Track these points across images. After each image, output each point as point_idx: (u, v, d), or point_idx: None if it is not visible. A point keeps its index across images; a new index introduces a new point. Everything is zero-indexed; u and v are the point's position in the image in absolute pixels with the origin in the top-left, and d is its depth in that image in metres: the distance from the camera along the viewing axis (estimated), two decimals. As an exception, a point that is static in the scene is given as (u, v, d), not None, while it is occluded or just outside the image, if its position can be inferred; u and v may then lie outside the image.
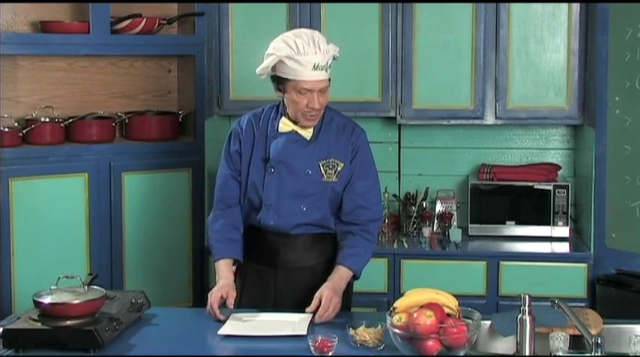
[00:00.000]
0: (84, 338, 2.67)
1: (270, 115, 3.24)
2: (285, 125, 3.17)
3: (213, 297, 3.05)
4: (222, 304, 3.05)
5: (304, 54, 3.04)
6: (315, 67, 3.05)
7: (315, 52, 3.05)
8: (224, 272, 3.15)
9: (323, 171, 3.18)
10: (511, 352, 2.70)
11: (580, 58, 4.33)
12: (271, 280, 3.25)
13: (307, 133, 3.18)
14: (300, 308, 3.08)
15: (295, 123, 3.17)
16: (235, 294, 3.09)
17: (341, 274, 3.14)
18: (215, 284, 3.13)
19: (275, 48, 3.07)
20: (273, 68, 3.10)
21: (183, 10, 4.49)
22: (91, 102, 4.46)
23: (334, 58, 3.14)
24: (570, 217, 4.44)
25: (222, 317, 3.01)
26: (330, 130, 3.21)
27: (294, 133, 3.17)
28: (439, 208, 4.60)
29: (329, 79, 3.13)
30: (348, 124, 3.26)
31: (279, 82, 3.11)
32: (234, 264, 3.21)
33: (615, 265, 4.10)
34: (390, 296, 4.20)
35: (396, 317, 2.58)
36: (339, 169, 3.19)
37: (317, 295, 3.03)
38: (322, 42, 3.08)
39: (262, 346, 2.77)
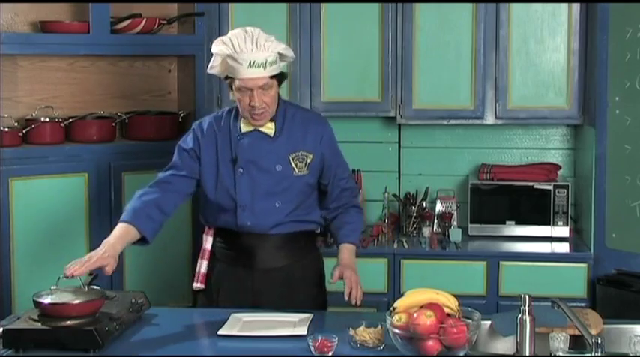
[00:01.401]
0: (84, 338, 2.66)
1: (230, 117, 3.26)
2: (245, 125, 3.20)
3: (93, 262, 2.90)
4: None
5: (240, 52, 3.06)
6: (252, 65, 3.06)
7: (252, 50, 3.06)
8: (116, 238, 3.04)
9: (293, 165, 3.21)
10: (511, 352, 2.69)
11: (580, 58, 4.33)
12: (248, 281, 3.25)
13: (269, 130, 3.20)
14: (278, 309, 3.10)
15: None
16: (115, 266, 2.98)
17: (349, 250, 3.29)
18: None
19: (215, 48, 3.12)
20: (226, 69, 3.13)
21: (183, 10, 4.50)
22: (91, 102, 4.47)
23: (282, 57, 3.15)
24: (570, 217, 4.44)
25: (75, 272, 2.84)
26: (294, 124, 3.24)
27: (257, 131, 3.20)
28: (439, 208, 4.60)
29: (273, 77, 3.11)
30: (312, 117, 3.34)
31: (229, 81, 3.16)
32: (135, 242, 3.12)
33: (615, 265, 4.10)
34: (390, 296, 4.20)
35: (396, 317, 2.58)
36: (308, 161, 3.23)
37: (336, 273, 3.15)
38: (261, 39, 3.08)
39: (262, 346, 2.77)
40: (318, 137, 3.25)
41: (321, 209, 3.34)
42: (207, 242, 3.34)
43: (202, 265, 3.32)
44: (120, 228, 3.11)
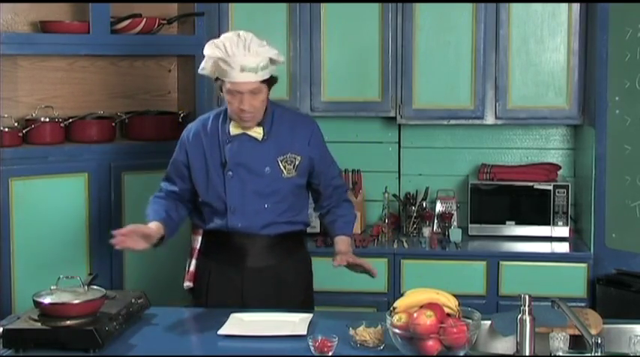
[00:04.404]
0: (84, 338, 2.67)
1: (217, 120, 3.29)
2: (235, 128, 3.24)
3: (140, 227, 3.12)
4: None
5: (233, 56, 3.09)
6: (243, 69, 3.10)
7: (244, 55, 3.09)
8: (156, 226, 3.20)
9: (282, 167, 3.25)
10: (511, 352, 2.70)
11: (580, 58, 4.33)
12: (237, 281, 3.28)
13: (257, 134, 3.24)
14: (267, 308, 3.14)
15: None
16: (144, 247, 3.14)
17: (346, 242, 3.32)
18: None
19: (208, 50, 3.15)
20: (217, 71, 3.16)
21: (183, 10, 4.50)
22: (91, 102, 4.47)
23: (273, 62, 3.17)
24: (570, 217, 4.44)
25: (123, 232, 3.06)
26: (282, 126, 3.27)
27: (245, 134, 3.24)
28: (439, 208, 4.60)
29: (264, 81, 3.14)
30: (300, 118, 3.39)
31: (220, 83, 3.19)
32: (156, 242, 3.22)
33: (615, 265, 4.10)
34: (390, 296, 4.20)
35: (396, 317, 2.58)
36: (297, 163, 3.26)
37: (337, 258, 3.19)
38: (254, 44, 3.12)
39: (262, 346, 2.77)
40: (306, 139, 3.29)
41: (314, 208, 3.41)
42: (196, 242, 3.39)
43: (191, 264, 3.39)
44: (154, 223, 3.21)
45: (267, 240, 3.27)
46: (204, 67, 3.19)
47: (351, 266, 3.23)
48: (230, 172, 3.22)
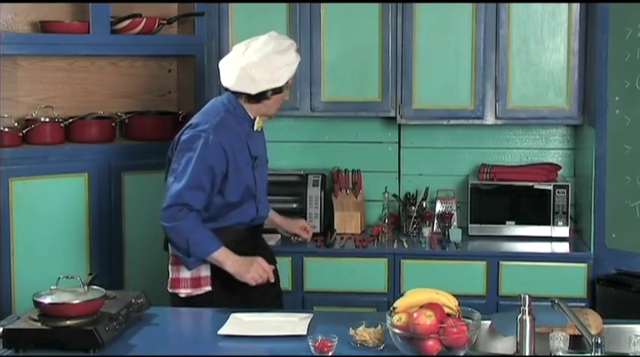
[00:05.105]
0: (84, 338, 2.67)
1: (232, 120, 3.34)
2: (258, 124, 3.40)
3: (267, 265, 3.26)
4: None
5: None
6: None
7: None
8: (233, 254, 3.26)
9: (266, 155, 3.53)
10: (511, 352, 2.70)
11: (580, 58, 4.33)
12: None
13: (260, 125, 3.44)
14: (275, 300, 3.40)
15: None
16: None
17: (275, 213, 3.75)
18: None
19: (292, 57, 3.32)
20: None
21: (183, 10, 4.50)
22: (91, 102, 4.47)
23: None
24: (570, 217, 4.44)
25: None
26: None
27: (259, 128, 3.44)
28: (439, 208, 4.60)
29: None
30: None
31: (275, 88, 3.32)
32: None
33: (615, 265, 4.10)
34: (390, 296, 4.20)
35: (396, 317, 2.58)
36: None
37: (299, 228, 3.75)
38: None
39: (262, 346, 2.77)
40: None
41: None
42: None
43: (203, 269, 3.30)
44: (225, 251, 3.25)
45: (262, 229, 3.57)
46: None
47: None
48: (256, 165, 3.37)
